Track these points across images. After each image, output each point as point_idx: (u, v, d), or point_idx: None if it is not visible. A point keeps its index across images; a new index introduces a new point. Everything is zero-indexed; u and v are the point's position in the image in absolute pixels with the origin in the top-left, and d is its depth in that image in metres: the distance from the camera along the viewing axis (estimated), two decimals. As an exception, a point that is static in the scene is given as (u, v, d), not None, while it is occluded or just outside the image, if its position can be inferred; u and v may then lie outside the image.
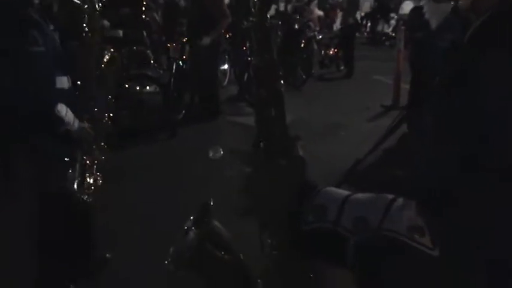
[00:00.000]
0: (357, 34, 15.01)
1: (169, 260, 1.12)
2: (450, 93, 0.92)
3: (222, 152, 4.59)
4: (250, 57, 8.88)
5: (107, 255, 3.54)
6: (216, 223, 1.14)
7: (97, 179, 3.08)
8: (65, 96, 2.86)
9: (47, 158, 2.84)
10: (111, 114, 3.24)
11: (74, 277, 3.16)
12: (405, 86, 8.07)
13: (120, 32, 7.72)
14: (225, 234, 1.15)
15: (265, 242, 1.00)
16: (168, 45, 8.05)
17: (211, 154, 4.73)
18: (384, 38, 19.53)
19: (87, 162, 3.04)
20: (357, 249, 0.83)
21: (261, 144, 0.99)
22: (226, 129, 7.45)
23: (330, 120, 7.85)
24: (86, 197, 3.04)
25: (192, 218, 1.17)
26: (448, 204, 0.81)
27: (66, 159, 2.93)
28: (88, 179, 3.02)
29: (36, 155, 2.80)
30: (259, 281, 1.05)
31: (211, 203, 1.19)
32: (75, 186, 2.96)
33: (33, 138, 2.77)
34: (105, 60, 3.20)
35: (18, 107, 2.64)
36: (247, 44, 9.06)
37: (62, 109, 2.79)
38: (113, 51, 3.33)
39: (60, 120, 2.78)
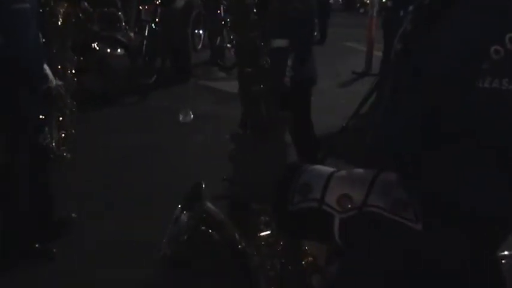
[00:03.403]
0: (331, 1, 14.88)
1: (164, 244, 1.11)
2: (410, 54, 0.92)
3: (192, 116, 4.60)
4: (224, 22, 8.83)
5: (73, 214, 3.54)
6: (209, 204, 1.13)
7: (69, 136, 3.12)
8: (42, 53, 2.86)
9: (26, 114, 2.82)
10: (73, 71, 3.24)
11: (38, 234, 3.17)
12: (378, 53, 8.09)
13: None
14: (218, 215, 1.13)
15: (257, 219, 1.01)
16: (140, 7, 7.89)
17: (181, 118, 4.75)
18: (358, 4, 19.41)
19: (61, 119, 3.06)
20: (342, 226, 0.83)
21: (248, 123, 0.98)
22: (198, 93, 7.39)
23: (302, 86, 7.84)
24: (64, 153, 3.07)
25: (183, 200, 1.14)
26: (415, 171, 0.82)
27: (41, 116, 2.92)
28: (62, 135, 3.06)
29: (18, 110, 2.78)
30: (255, 258, 1.07)
31: (203, 185, 1.18)
32: (53, 142, 2.98)
33: (16, 95, 2.74)
34: (61, 17, 3.17)
35: (9, 64, 2.61)
36: (221, 8, 8.94)
37: (45, 66, 2.80)
38: (71, 9, 3.31)
39: (46, 77, 2.79)
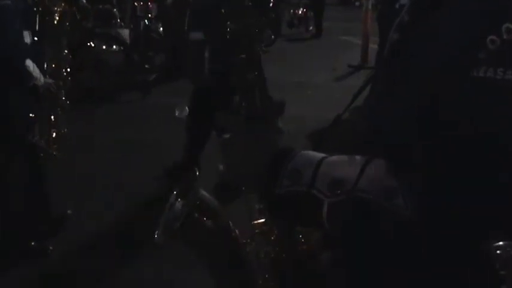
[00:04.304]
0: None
1: (158, 232, 1.10)
2: (406, 44, 0.92)
3: (187, 108, 4.55)
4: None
5: (68, 211, 3.54)
6: (203, 192, 1.13)
7: (61, 135, 3.11)
8: (29, 51, 2.85)
9: (15, 112, 2.82)
10: (68, 70, 3.24)
11: (34, 232, 3.17)
12: (374, 46, 8.09)
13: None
14: (212, 203, 1.13)
15: (251, 206, 1.01)
16: (135, 3, 7.87)
17: (177, 113, 4.73)
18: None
19: (52, 117, 3.06)
20: (331, 211, 0.83)
21: (241, 108, 1.00)
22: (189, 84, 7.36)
23: (297, 80, 7.84)
24: (55, 152, 3.06)
25: (177, 188, 1.14)
26: (409, 161, 0.82)
27: (31, 114, 2.92)
28: (53, 134, 3.05)
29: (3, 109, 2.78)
30: (249, 245, 1.07)
31: (197, 173, 1.18)
32: (42, 141, 2.98)
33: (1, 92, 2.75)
34: (56, 16, 3.17)
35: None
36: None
37: (29, 64, 2.79)
38: (67, 7, 3.31)
39: (29, 74, 2.79)
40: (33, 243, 3.14)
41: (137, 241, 3.22)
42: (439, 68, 0.83)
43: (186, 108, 5.02)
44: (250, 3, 0.97)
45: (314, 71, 8.56)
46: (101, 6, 7.68)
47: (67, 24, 3.33)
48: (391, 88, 0.96)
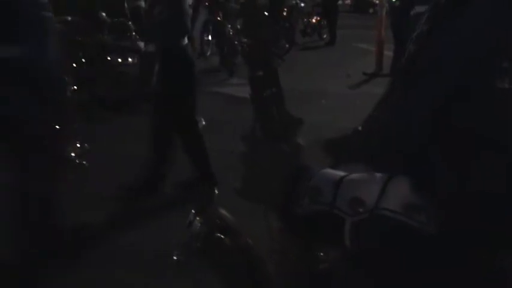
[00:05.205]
0: (339, 2, 14.88)
1: (178, 251, 1.10)
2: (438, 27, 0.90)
3: (203, 122, 4.61)
4: (231, 31, 8.90)
5: (85, 221, 3.54)
6: (221, 210, 1.13)
7: (84, 146, 3.15)
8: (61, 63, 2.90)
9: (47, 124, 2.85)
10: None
11: (48, 242, 3.18)
12: (389, 54, 8.08)
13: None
14: (231, 221, 1.12)
15: (270, 224, 1.01)
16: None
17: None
18: (368, 5, 19.41)
19: (73, 129, 3.10)
20: (354, 230, 0.82)
21: (259, 125, 0.99)
22: (207, 99, 7.40)
23: (312, 88, 7.84)
24: (84, 162, 3.10)
25: (195, 206, 1.14)
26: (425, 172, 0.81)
27: (57, 126, 2.94)
28: (78, 145, 3.09)
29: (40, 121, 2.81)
30: (269, 264, 1.06)
31: (216, 190, 1.18)
32: (72, 152, 3.01)
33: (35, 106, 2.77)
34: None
35: (28, 74, 2.63)
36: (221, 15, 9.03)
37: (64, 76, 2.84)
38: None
39: (64, 87, 2.83)
40: (47, 252, 3.13)
41: (151, 250, 3.22)
42: (458, 75, 0.82)
43: (202, 119, 5.04)
44: (265, 16, 0.96)
45: (328, 78, 8.55)
46: (116, 19, 7.76)
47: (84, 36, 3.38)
48: (407, 95, 0.94)
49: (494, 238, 0.79)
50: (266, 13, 0.96)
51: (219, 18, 9.02)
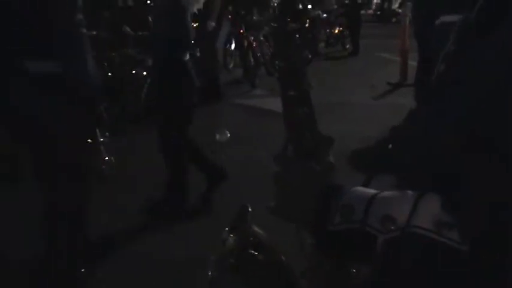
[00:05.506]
0: (362, 11, 14.87)
1: (212, 268, 1.11)
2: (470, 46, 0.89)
3: (228, 135, 4.63)
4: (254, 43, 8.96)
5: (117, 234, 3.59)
6: (255, 227, 1.13)
7: (111, 158, 3.20)
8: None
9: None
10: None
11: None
12: (413, 63, 8.02)
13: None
14: (264, 237, 1.13)
15: (303, 241, 1.01)
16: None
17: (218, 137, 4.79)
18: (391, 14, 19.37)
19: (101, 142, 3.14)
20: (386, 247, 0.83)
21: (290, 143, 1.00)
22: (231, 111, 7.44)
23: (336, 99, 7.82)
24: (110, 174, 3.14)
25: (230, 223, 1.15)
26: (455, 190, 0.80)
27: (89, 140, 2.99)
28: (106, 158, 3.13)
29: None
30: (302, 280, 1.06)
31: (249, 208, 1.19)
32: (100, 164, 3.06)
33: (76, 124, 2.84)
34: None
35: (68, 91, 2.70)
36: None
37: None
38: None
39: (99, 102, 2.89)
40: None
41: (177, 262, 3.24)
42: (488, 96, 0.80)
43: (227, 131, 5.05)
44: (297, 40, 0.97)
45: (352, 89, 8.53)
46: (140, 33, 7.86)
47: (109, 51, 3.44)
48: (437, 113, 0.94)
49: None
50: (297, 35, 0.98)
51: (242, 31, 9.06)
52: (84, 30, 2.71)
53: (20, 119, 2.72)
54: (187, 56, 4.07)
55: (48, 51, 2.61)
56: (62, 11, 2.59)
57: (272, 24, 1.02)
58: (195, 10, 8.30)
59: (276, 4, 1.00)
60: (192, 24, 7.71)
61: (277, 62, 0.98)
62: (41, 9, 2.54)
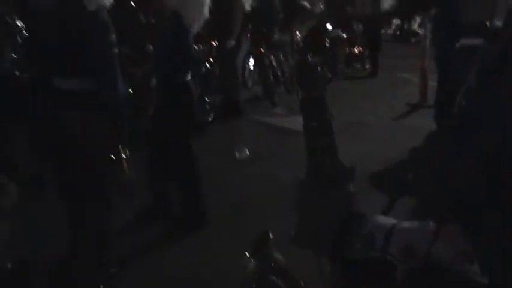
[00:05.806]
0: (382, 31, 14.87)
1: None
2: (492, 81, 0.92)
3: (248, 152, 4.62)
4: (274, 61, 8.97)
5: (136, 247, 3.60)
6: (276, 253, 1.15)
7: (132, 172, 3.22)
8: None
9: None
10: None
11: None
12: (433, 84, 7.97)
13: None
14: (284, 263, 1.15)
15: (322, 268, 1.03)
16: (195, 46, 8.08)
17: (237, 154, 4.79)
18: (410, 34, 19.31)
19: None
20: (406, 276, 0.84)
21: (312, 171, 1.02)
22: (250, 129, 7.44)
23: (355, 119, 7.80)
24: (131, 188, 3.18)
25: (251, 248, 1.16)
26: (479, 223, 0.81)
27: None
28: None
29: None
30: None
31: (270, 234, 1.20)
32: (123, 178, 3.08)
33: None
34: None
35: (100, 108, 2.77)
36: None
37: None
38: None
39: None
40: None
41: (196, 279, 3.24)
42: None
43: (246, 149, 5.07)
44: (319, 72, 1.00)
45: (371, 109, 8.49)
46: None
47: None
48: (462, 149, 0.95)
49: None
50: (320, 68, 1.00)
51: (261, 49, 9.10)
52: (116, 50, 2.78)
53: (54, 133, 2.81)
54: (189, 77, 4.03)
55: (85, 70, 2.70)
56: (99, 32, 2.67)
57: (296, 56, 1.04)
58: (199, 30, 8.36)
59: (299, 35, 1.03)
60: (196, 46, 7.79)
61: (300, 92, 1.01)
62: (80, 33, 2.62)
